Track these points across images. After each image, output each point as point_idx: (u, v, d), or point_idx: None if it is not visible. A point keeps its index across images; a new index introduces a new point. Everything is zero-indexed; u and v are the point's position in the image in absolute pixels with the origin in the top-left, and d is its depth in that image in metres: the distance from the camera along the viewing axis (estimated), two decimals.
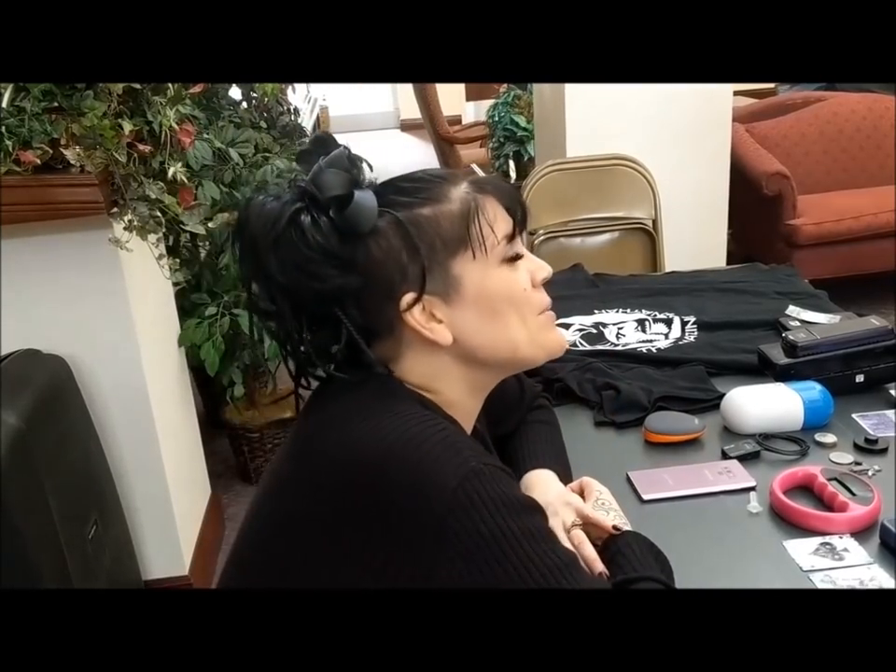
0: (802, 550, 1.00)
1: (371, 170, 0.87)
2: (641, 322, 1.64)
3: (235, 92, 2.69)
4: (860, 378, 1.33)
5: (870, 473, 1.13)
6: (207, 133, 2.33)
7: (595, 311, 1.70)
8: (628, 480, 1.16)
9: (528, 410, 1.16)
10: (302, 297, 0.83)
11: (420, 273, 0.84)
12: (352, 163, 0.84)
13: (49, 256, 1.71)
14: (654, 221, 2.42)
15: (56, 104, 1.52)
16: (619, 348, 1.54)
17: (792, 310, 1.62)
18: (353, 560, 0.77)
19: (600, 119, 2.80)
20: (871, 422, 1.26)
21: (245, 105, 2.68)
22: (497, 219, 0.87)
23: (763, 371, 1.38)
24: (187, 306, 2.33)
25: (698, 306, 1.69)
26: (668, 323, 1.63)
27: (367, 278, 0.84)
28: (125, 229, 1.64)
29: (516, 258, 0.89)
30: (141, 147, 1.62)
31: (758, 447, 1.20)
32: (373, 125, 7.60)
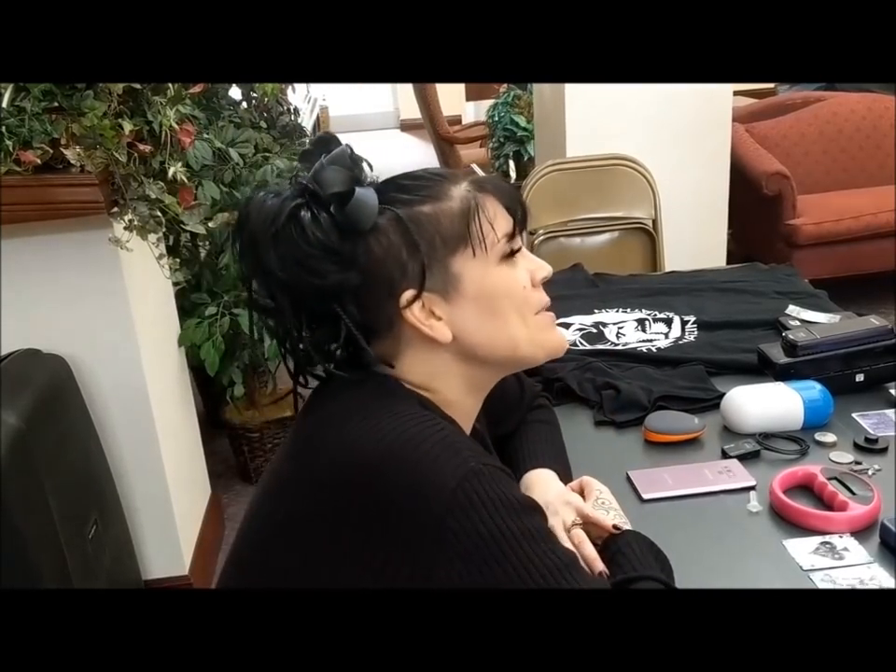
0: (802, 549, 1.00)
1: (372, 170, 0.87)
2: (641, 322, 1.64)
3: (235, 92, 2.69)
4: (859, 377, 1.33)
5: (870, 472, 1.13)
6: (207, 133, 2.33)
7: (595, 310, 1.70)
8: (628, 479, 1.16)
9: (528, 409, 1.16)
10: (302, 293, 0.84)
11: (420, 271, 0.84)
12: (353, 161, 0.84)
13: (49, 256, 1.71)
14: (654, 221, 2.42)
15: (56, 104, 1.52)
16: (619, 348, 1.54)
17: (792, 309, 1.62)
18: (352, 560, 0.77)
19: (600, 119, 2.81)
20: (871, 421, 1.26)
21: (244, 105, 2.68)
22: (497, 218, 0.87)
23: (762, 370, 1.38)
24: (187, 306, 2.33)
25: (698, 306, 1.69)
26: (668, 322, 1.63)
27: (367, 275, 0.84)
28: (125, 228, 1.64)
29: (516, 252, 0.89)
30: (141, 146, 1.62)
31: (758, 446, 1.20)
32: (373, 125, 7.60)
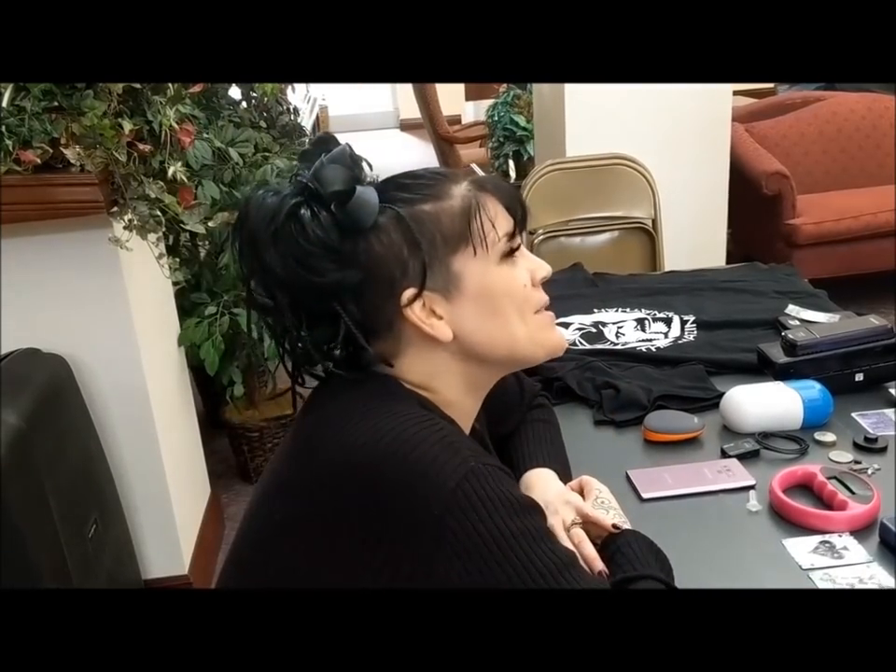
0: (801, 548, 1.00)
1: (371, 169, 0.87)
2: (641, 321, 1.64)
3: (235, 92, 2.69)
4: (859, 377, 1.34)
5: (869, 472, 1.13)
6: (207, 133, 2.33)
7: (595, 310, 1.70)
8: (628, 478, 1.16)
9: (528, 409, 1.16)
10: (301, 291, 0.84)
11: (421, 269, 0.84)
12: (353, 161, 0.84)
13: (49, 255, 1.71)
14: (654, 221, 2.42)
15: (56, 103, 1.52)
16: (618, 347, 1.54)
17: (792, 309, 1.62)
18: (352, 559, 0.77)
19: (600, 118, 2.81)
20: (870, 421, 1.26)
21: (244, 104, 2.68)
22: (497, 217, 0.87)
23: (762, 369, 1.38)
24: (186, 306, 2.33)
25: (697, 305, 1.69)
26: (668, 322, 1.63)
27: (367, 273, 0.84)
28: (125, 228, 1.64)
29: (516, 250, 0.89)
30: (141, 146, 1.62)
31: (757, 446, 1.20)
32: (373, 125, 7.60)
